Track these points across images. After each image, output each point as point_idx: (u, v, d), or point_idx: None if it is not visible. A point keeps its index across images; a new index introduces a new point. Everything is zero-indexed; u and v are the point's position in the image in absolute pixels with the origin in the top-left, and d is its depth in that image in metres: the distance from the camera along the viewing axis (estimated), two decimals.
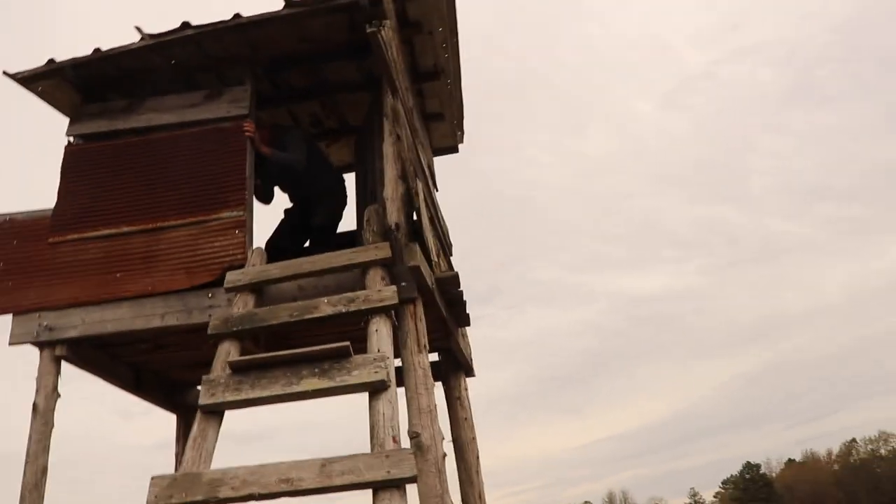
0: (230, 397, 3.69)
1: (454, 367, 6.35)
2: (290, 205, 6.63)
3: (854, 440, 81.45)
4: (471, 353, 6.67)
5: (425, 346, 4.67)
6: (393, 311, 4.32)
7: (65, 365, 5.15)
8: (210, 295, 4.94)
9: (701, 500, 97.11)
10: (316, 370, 3.75)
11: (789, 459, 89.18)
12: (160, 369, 6.31)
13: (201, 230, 5.18)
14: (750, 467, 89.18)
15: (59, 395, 5.02)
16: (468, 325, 6.18)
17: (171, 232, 5.23)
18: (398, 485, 3.22)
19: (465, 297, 5.71)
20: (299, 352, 3.79)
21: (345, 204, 6.47)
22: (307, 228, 6.27)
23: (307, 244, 6.29)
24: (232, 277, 4.71)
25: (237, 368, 3.81)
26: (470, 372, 6.69)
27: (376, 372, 3.71)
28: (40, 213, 5.53)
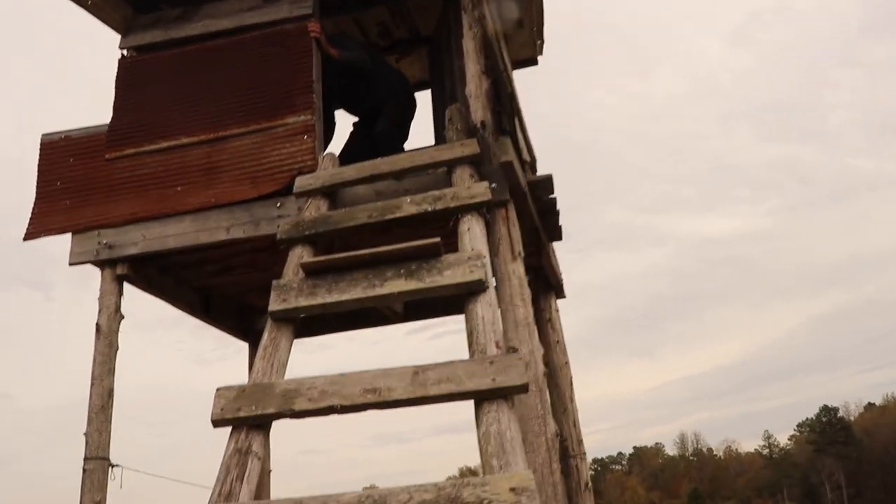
0: (304, 302, 3.22)
1: (544, 285, 5.81)
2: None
3: None
4: (560, 272, 6.11)
5: (520, 253, 4.16)
6: (485, 211, 3.79)
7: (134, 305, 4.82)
8: (278, 204, 4.48)
9: (776, 443, 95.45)
10: (402, 271, 3.25)
11: (869, 403, 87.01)
12: (229, 294, 5.93)
13: (266, 137, 4.71)
14: (827, 410, 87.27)
15: (122, 317, 4.68)
16: (560, 238, 5.61)
17: (233, 141, 4.78)
18: (505, 394, 2.71)
19: (558, 206, 5.14)
20: (382, 250, 3.30)
21: (412, 111, 5.90)
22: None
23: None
24: (302, 182, 4.24)
25: (312, 271, 3.34)
26: (561, 292, 6.15)
27: (472, 271, 3.19)
28: (96, 128, 5.14)
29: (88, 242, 4.76)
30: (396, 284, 3.19)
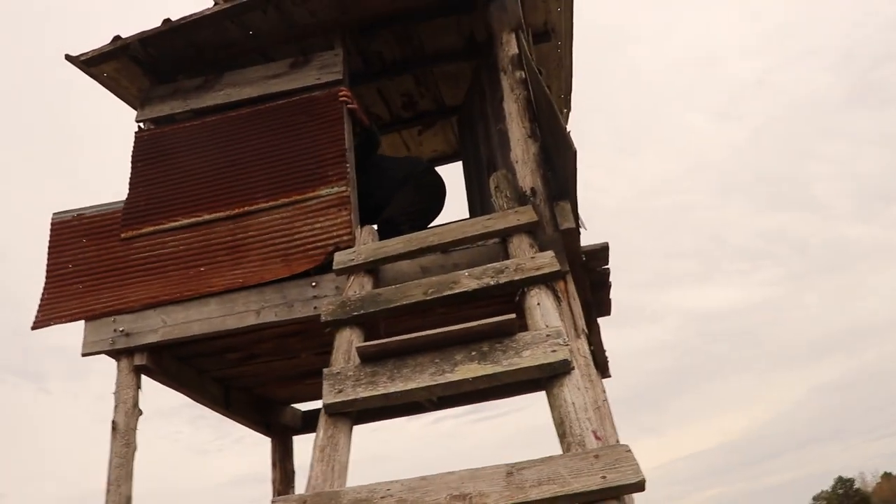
0: (364, 393, 2.78)
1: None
2: None
3: None
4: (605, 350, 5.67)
5: (584, 330, 3.75)
6: (552, 284, 3.40)
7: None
8: (314, 284, 4.08)
9: None
10: (473, 353, 2.84)
11: (885, 473, 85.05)
12: (251, 385, 5.48)
13: (298, 211, 4.34)
14: (843, 482, 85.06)
15: (140, 413, 4.22)
16: (609, 313, 5.20)
17: (261, 216, 4.41)
18: (619, 494, 2.27)
19: (611, 278, 4.74)
20: (450, 330, 2.88)
21: (427, 200, 5.24)
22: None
23: None
24: (342, 257, 3.85)
25: (368, 357, 2.92)
26: (606, 372, 5.70)
27: (554, 351, 2.78)
28: (110, 206, 4.77)
29: (103, 330, 4.34)
30: (470, 369, 2.77)
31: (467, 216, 5.70)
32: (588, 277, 4.50)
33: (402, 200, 5.09)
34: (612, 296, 4.99)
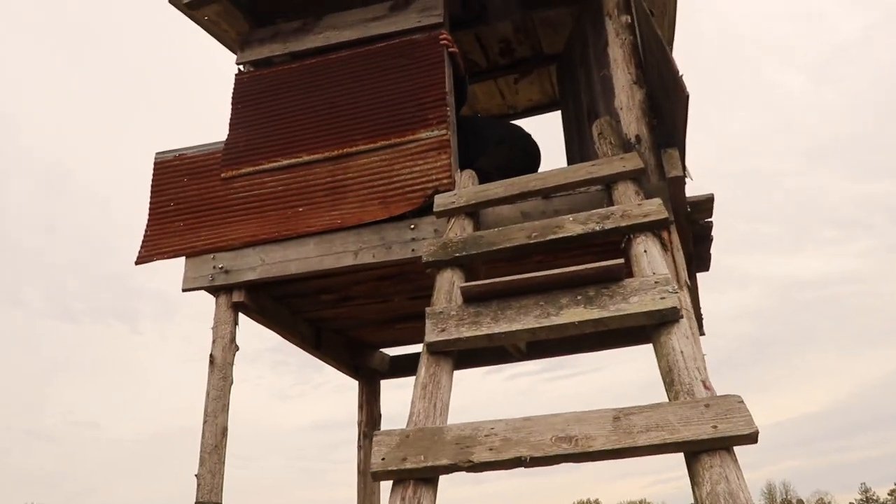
0: (467, 333, 2.75)
1: None
2: None
3: None
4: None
5: (686, 282, 3.63)
6: (659, 232, 3.29)
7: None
8: (412, 226, 4.06)
9: (874, 497, 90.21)
10: (578, 297, 2.77)
11: None
12: (343, 327, 5.53)
13: (397, 153, 4.31)
14: None
15: (237, 348, 4.29)
16: (707, 269, 5.04)
17: (360, 158, 4.39)
18: (729, 445, 2.19)
19: (713, 232, 4.59)
20: (557, 273, 2.82)
21: (521, 161, 5.14)
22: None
23: None
24: (443, 200, 3.81)
25: (472, 297, 2.88)
26: (700, 329, 5.55)
27: (663, 298, 2.70)
28: (211, 146, 4.82)
29: (203, 267, 4.42)
30: (576, 313, 2.70)
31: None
32: (690, 230, 4.36)
33: (497, 156, 5.03)
34: (711, 251, 4.84)
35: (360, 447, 5.83)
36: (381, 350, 6.14)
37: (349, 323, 5.46)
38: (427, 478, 2.28)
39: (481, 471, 2.24)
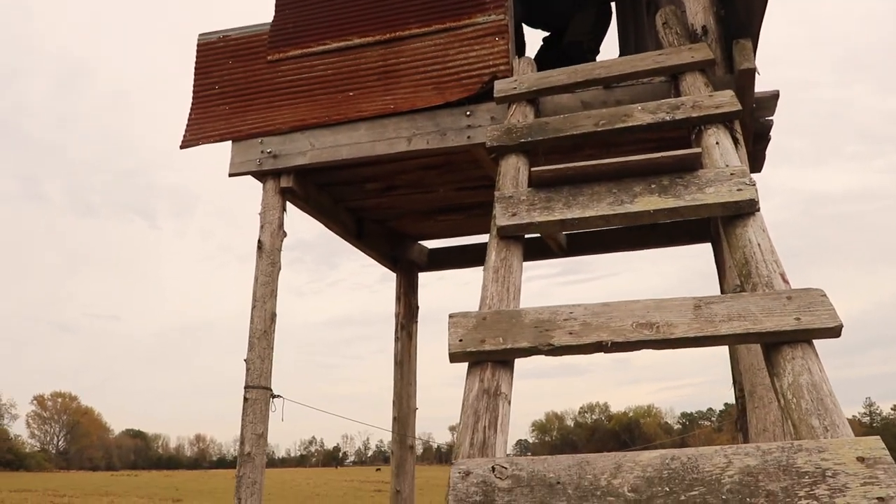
0: (539, 217, 2.71)
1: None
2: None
3: None
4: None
5: (751, 178, 3.55)
6: (731, 124, 3.20)
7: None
8: (468, 113, 3.97)
9: (878, 412, 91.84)
10: (652, 185, 2.71)
11: None
12: (384, 217, 5.51)
13: (452, 38, 4.18)
14: None
15: (285, 234, 4.27)
16: (760, 170, 4.95)
17: (413, 42, 4.27)
18: (811, 338, 2.16)
19: (772, 133, 4.48)
20: (631, 160, 2.75)
21: (605, 22, 5.29)
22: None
23: None
24: (504, 86, 3.71)
25: (544, 182, 2.82)
26: None
27: (740, 190, 2.64)
28: (257, 27, 4.69)
29: (251, 151, 4.36)
30: (650, 201, 2.65)
31: None
32: (753, 126, 4.25)
33: (583, 23, 5.14)
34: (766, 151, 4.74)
35: (396, 339, 5.88)
36: (419, 242, 6.12)
37: (391, 213, 5.43)
38: (505, 360, 2.27)
39: (561, 354, 2.23)
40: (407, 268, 6.01)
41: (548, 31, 5.41)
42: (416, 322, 6.05)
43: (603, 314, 2.28)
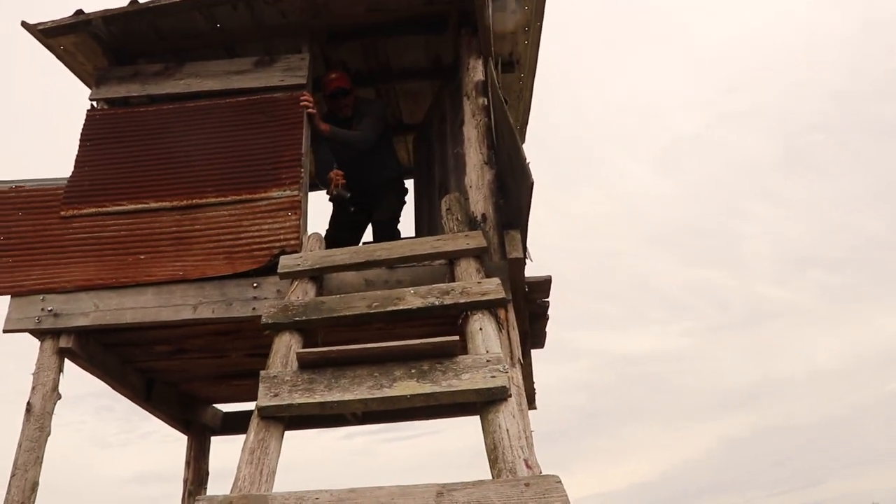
0: (300, 399, 2.76)
1: None
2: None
3: None
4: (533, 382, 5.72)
5: (519, 360, 3.77)
6: (495, 310, 3.42)
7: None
8: (255, 284, 4.04)
9: None
10: (412, 370, 2.84)
11: None
12: (176, 380, 5.37)
13: (247, 210, 4.30)
14: None
15: (59, 397, 4.09)
16: (542, 346, 5.24)
17: (209, 210, 4.35)
18: None
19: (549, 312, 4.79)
20: (393, 345, 2.88)
21: (404, 204, 5.62)
22: (364, 223, 5.39)
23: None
24: (288, 262, 3.83)
25: (308, 364, 2.90)
26: (532, 404, 5.75)
27: (493, 377, 2.80)
28: (52, 181, 4.64)
29: (30, 308, 4.21)
30: (408, 386, 2.77)
31: (412, 234, 5.72)
32: (528, 308, 4.54)
33: (392, 205, 5.58)
34: (547, 329, 5.04)
35: None
36: (213, 405, 5.99)
37: (182, 376, 5.32)
38: None
39: None
40: (199, 431, 5.84)
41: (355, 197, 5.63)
42: (205, 488, 5.83)
43: (348, 500, 2.32)
